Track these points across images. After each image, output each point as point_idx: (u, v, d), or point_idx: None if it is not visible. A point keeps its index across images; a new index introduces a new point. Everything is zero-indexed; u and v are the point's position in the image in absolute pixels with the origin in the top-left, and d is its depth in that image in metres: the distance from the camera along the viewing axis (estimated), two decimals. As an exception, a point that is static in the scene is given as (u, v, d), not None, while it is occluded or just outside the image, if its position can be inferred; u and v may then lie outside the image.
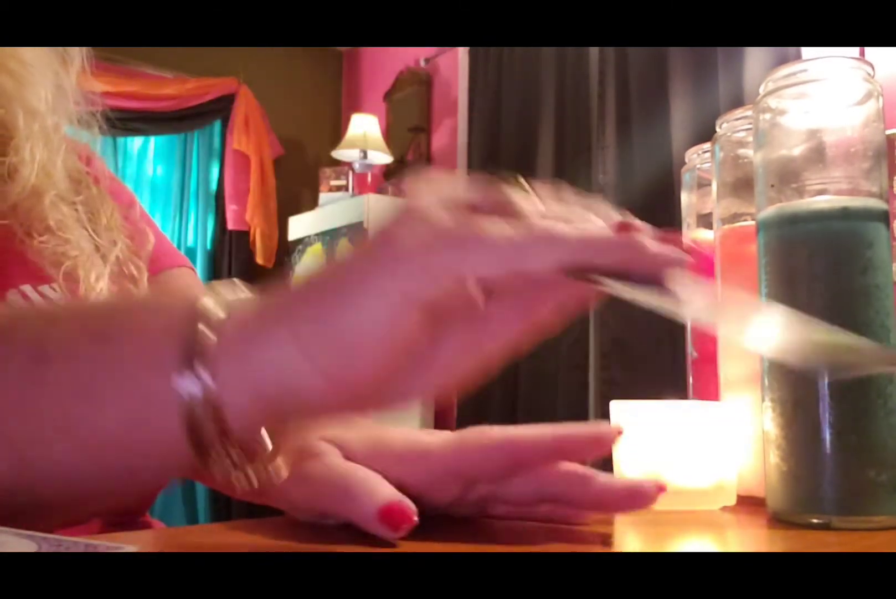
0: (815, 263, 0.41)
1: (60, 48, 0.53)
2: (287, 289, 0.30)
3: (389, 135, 3.62)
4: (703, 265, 0.60)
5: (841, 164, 0.42)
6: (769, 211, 0.43)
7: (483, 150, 3.18)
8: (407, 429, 0.40)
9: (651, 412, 0.46)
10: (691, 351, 0.61)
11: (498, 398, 2.77)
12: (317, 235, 3.39)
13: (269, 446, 0.30)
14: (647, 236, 0.29)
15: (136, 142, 3.71)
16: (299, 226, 3.51)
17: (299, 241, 3.49)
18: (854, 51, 1.95)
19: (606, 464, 0.44)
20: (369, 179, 3.48)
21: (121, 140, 3.61)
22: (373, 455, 0.38)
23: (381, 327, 0.27)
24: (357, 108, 3.89)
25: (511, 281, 0.28)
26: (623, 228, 0.29)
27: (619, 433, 0.38)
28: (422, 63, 3.61)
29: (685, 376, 0.62)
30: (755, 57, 2.25)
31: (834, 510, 0.39)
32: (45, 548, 0.21)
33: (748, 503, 0.46)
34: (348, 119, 3.55)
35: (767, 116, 0.44)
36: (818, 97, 0.43)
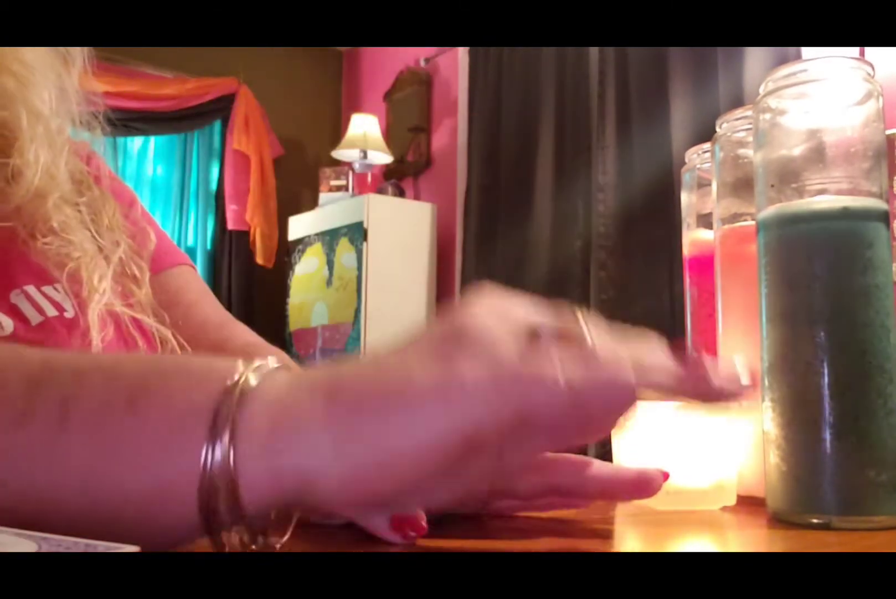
0: (815, 263, 0.41)
1: (62, 49, 0.53)
2: (337, 383, 0.28)
3: (389, 135, 3.62)
4: (704, 265, 0.60)
5: (841, 164, 0.42)
6: (769, 211, 0.43)
7: (483, 150, 3.18)
8: None
9: (651, 412, 0.46)
10: (691, 351, 0.61)
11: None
12: (317, 235, 3.40)
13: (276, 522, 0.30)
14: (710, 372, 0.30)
15: (136, 142, 3.71)
16: (299, 226, 3.52)
17: (299, 241, 3.49)
18: (854, 51, 1.95)
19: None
20: (369, 179, 3.48)
21: (121, 140, 3.61)
22: None
23: (424, 455, 0.27)
24: (357, 108, 3.89)
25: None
26: (691, 368, 0.30)
27: (666, 476, 0.38)
28: (422, 63, 3.61)
29: (685, 376, 0.62)
30: (755, 57, 2.25)
31: (834, 510, 0.39)
32: (45, 548, 0.21)
33: (748, 503, 0.46)
34: (348, 119, 3.56)
35: (767, 116, 0.44)
36: (818, 97, 0.43)
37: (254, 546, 0.29)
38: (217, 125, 3.81)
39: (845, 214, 0.41)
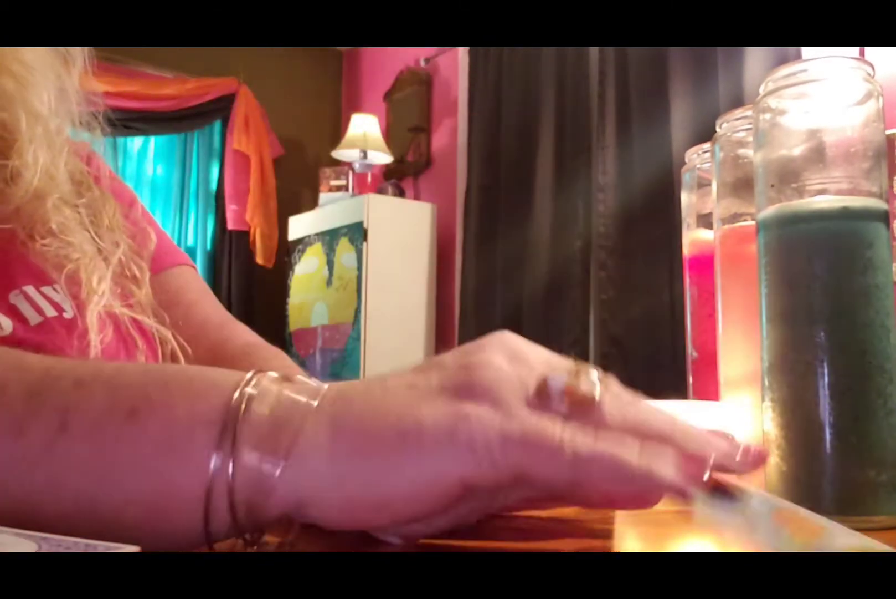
0: (815, 263, 0.41)
1: (62, 49, 0.53)
2: (344, 412, 0.28)
3: (389, 135, 3.62)
4: (704, 265, 0.60)
5: (841, 164, 0.42)
6: (769, 211, 0.43)
7: (483, 150, 3.18)
8: None
9: (651, 412, 0.46)
10: (691, 351, 0.61)
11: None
12: (317, 235, 3.40)
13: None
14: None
15: (136, 142, 3.71)
16: (299, 226, 3.52)
17: (299, 241, 3.49)
18: (854, 51, 1.95)
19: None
20: (369, 179, 3.49)
21: (121, 140, 3.61)
22: None
23: (422, 499, 0.27)
24: (357, 108, 3.89)
25: None
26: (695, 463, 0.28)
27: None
28: (422, 63, 3.62)
29: (685, 376, 0.62)
30: (755, 57, 2.26)
31: (834, 510, 0.39)
32: (45, 548, 0.21)
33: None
34: (348, 119, 3.56)
35: (767, 116, 0.44)
36: (818, 97, 0.43)
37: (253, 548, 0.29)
38: (217, 125, 3.81)
39: (845, 214, 0.41)
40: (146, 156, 3.76)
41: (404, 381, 0.29)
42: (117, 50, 3.33)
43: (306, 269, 3.44)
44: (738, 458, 0.29)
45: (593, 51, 2.78)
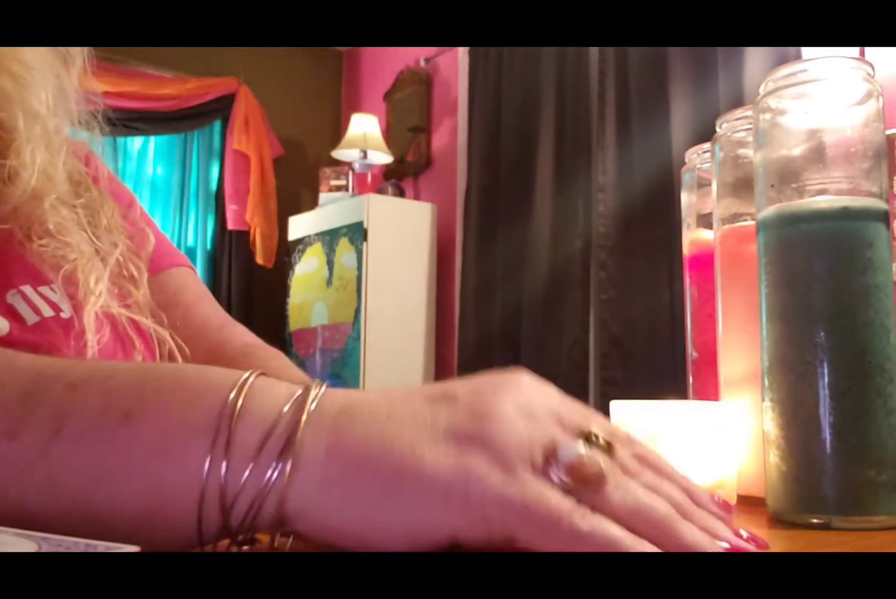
0: (815, 263, 0.41)
1: (62, 49, 0.52)
2: (344, 433, 0.27)
3: (389, 135, 3.62)
4: (704, 265, 0.60)
5: (841, 164, 0.42)
6: (769, 211, 0.43)
7: (483, 150, 3.18)
8: None
9: (651, 411, 0.46)
10: (691, 351, 0.61)
11: (498, 398, 2.77)
12: (317, 235, 3.40)
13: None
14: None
15: (136, 142, 3.71)
16: (299, 226, 3.52)
17: (299, 241, 3.49)
18: (854, 51, 1.95)
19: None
20: (369, 179, 3.48)
21: (121, 140, 3.61)
22: None
23: (410, 544, 0.27)
24: (357, 108, 3.89)
25: None
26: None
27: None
28: (422, 63, 3.61)
29: (685, 376, 0.62)
30: (755, 57, 2.25)
31: (834, 510, 0.39)
32: (45, 548, 0.21)
33: (748, 503, 0.46)
34: (348, 119, 3.56)
35: (767, 116, 0.44)
36: (818, 97, 0.43)
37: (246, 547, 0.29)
38: (217, 125, 3.81)
39: (845, 214, 0.41)
40: (146, 156, 3.76)
41: (411, 410, 0.28)
42: (117, 50, 3.33)
43: (306, 269, 3.44)
44: (729, 546, 0.29)
45: (593, 51, 2.78)
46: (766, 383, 0.43)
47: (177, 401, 0.28)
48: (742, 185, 0.53)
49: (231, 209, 3.69)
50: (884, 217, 0.41)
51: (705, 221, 0.61)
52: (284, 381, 0.30)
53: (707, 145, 0.60)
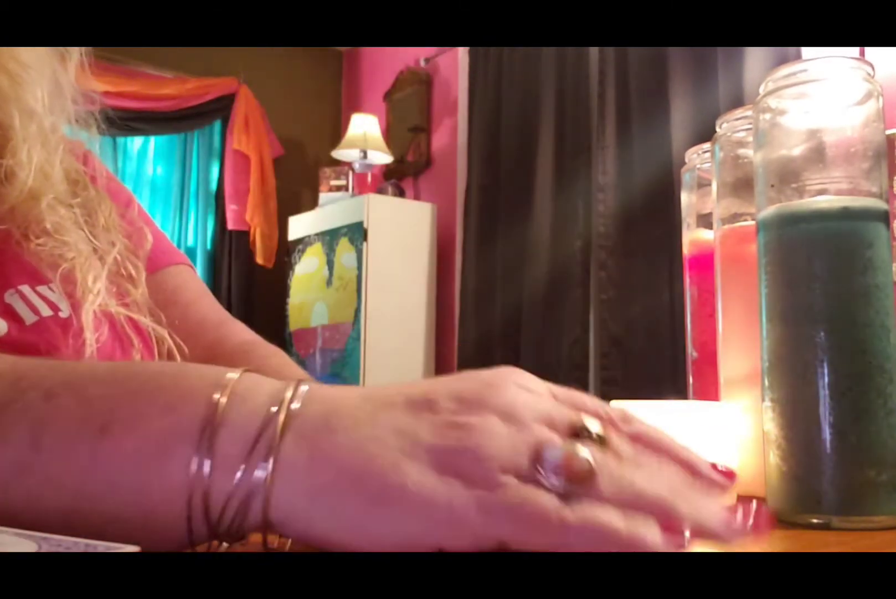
0: (815, 263, 0.41)
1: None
2: (326, 439, 0.27)
3: (389, 135, 3.62)
4: (704, 265, 0.60)
5: (841, 164, 0.42)
6: (769, 211, 0.43)
7: (483, 150, 3.18)
8: None
9: (651, 412, 0.46)
10: (691, 351, 0.61)
11: (498, 398, 2.77)
12: (317, 235, 3.40)
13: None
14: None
15: (136, 142, 3.71)
16: (299, 226, 3.52)
17: (299, 241, 3.49)
18: (854, 51, 1.95)
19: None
20: (369, 178, 3.48)
21: (121, 140, 3.61)
22: None
23: (391, 548, 0.26)
24: (357, 108, 3.89)
25: None
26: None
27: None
28: (422, 63, 3.61)
29: (685, 376, 0.62)
30: (755, 57, 2.25)
31: (834, 510, 0.39)
32: (45, 548, 0.21)
33: (748, 503, 0.46)
34: (348, 119, 3.56)
35: (767, 116, 0.44)
36: (818, 97, 0.43)
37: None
38: (217, 125, 3.81)
39: (845, 214, 0.41)
40: (146, 156, 3.76)
41: (392, 421, 0.28)
42: (117, 50, 3.33)
43: (306, 269, 3.44)
44: (731, 527, 0.28)
45: (593, 51, 2.78)
46: (766, 383, 0.43)
47: (155, 410, 0.28)
48: (742, 185, 0.53)
49: (231, 209, 3.69)
50: (884, 217, 0.41)
51: (705, 221, 0.61)
52: (273, 378, 0.30)
53: (707, 145, 0.60)
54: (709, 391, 0.56)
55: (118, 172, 3.53)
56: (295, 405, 0.28)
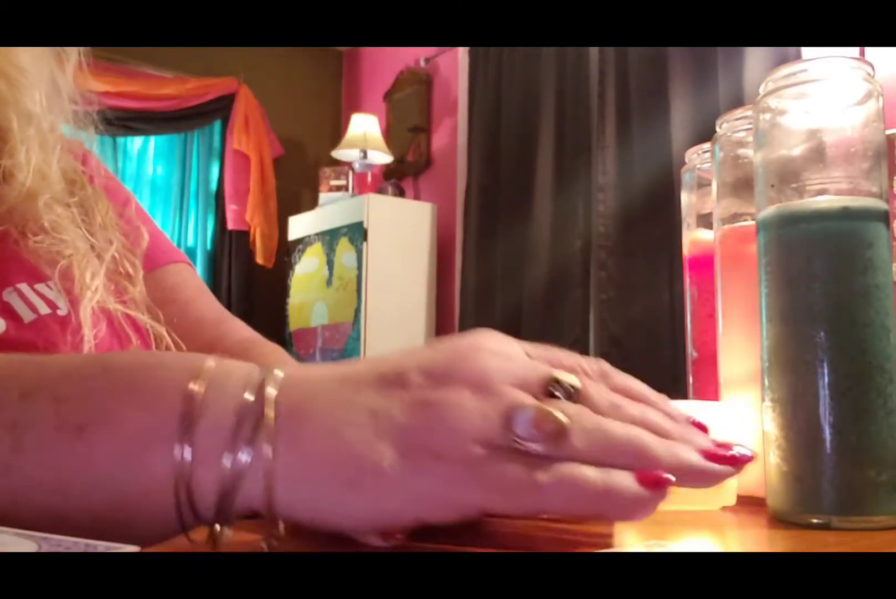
0: (815, 263, 0.41)
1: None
2: (301, 425, 0.27)
3: (389, 135, 3.62)
4: (704, 265, 0.60)
5: (841, 164, 0.42)
6: (769, 211, 0.43)
7: (483, 150, 3.18)
8: None
9: (651, 412, 0.46)
10: (691, 351, 0.61)
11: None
12: (317, 234, 3.40)
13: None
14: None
15: (136, 142, 3.71)
16: (299, 226, 3.52)
17: (299, 241, 3.49)
18: (854, 51, 1.95)
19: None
20: (369, 178, 3.49)
21: (121, 140, 3.61)
22: None
23: (382, 527, 0.27)
24: (357, 108, 3.89)
25: None
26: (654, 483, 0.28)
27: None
28: (422, 63, 3.62)
29: (685, 376, 0.62)
30: (755, 57, 2.26)
31: (834, 510, 0.39)
32: (45, 548, 0.21)
33: (748, 503, 0.46)
34: (348, 119, 3.56)
35: (767, 116, 0.44)
36: (818, 97, 0.43)
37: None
38: (217, 125, 3.81)
39: (845, 214, 0.41)
40: (146, 156, 3.76)
41: (365, 401, 0.28)
42: (117, 50, 3.33)
43: (306, 269, 3.44)
44: (709, 469, 0.29)
45: (593, 51, 2.78)
46: (766, 383, 0.43)
47: (132, 405, 0.28)
48: (742, 185, 0.53)
49: (231, 209, 3.69)
50: (884, 217, 0.41)
51: (705, 221, 0.61)
52: (249, 363, 0.30)
53: (707, 145, 0.60)
54: (709, 391, 0.56)
55: (118, 172, 3.53)
56: (270, 390, 0.28)
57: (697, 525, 0.42)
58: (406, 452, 0.27)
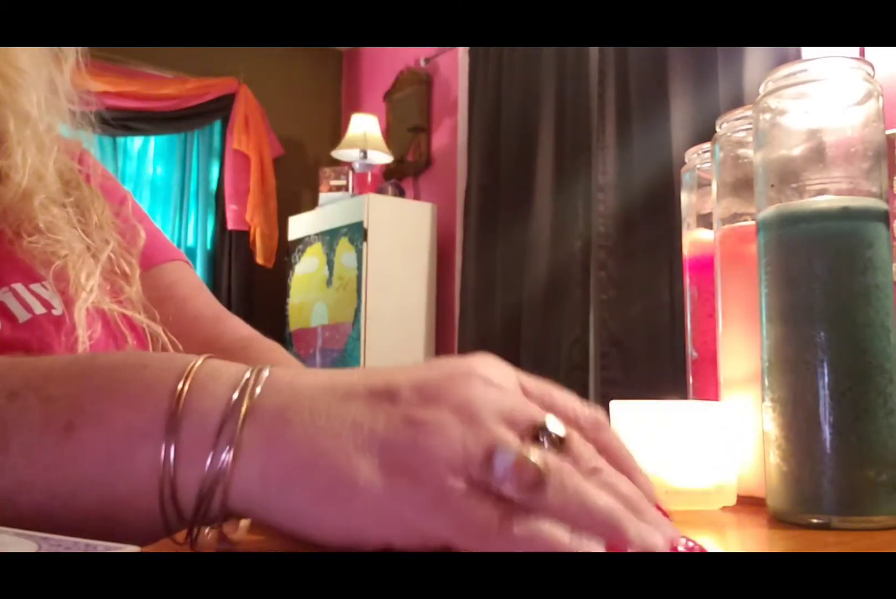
0: (815, 263, 0.41)
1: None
2: (284, 431, 0.27)
3: (389, 135, 3.62)
4: (704, 265, 0.60)
5: (841, 164, 0.42)
6: (769, 211, 0.43)
7: (483, 150, 3.18)
8: None
9: (651, 412, 0.46)
10: (691, 351, 0.61)
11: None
12: (317, 234, 3.40)
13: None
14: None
15: (136, 142, 3.71)
16: (299, 226, 3.52)
17: (299, 241, 3.49)
18: (854, 51, 1.95)
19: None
20: (369, 178, 3.48)
21: (121, 140, 3.61)
22: None
23: (354, 543, 0.27)
24: (357, 108, 3.89)
25: None
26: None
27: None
28: (422, 63, 3.61)
29: (685, 376, 0.62)
30: (755, 57, 2.25)
31: (834, 510, 0.39)
32: (45, 548, 0.21)
33: (748, 503, 0.46)
34: (348, 119, 3.56)
35: (767, 116, 0.44)
36: (818, 97, 0.43)
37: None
38: (217, 125, 3.81)
39: (845, 214, 0.41)
40: (146, 156, 3.76)
41: (350, 412, 0.28)
42: (117, 50, 3.33)
43: (306, 269, 3.44)
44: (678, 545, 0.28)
45: (593, 51, 2.78)
46: (766, 383, 0.43)
47: (118, 406, 0.28)
48: (742, 185, 0.53)
49: (231, 209, 3.69)
50: (884, 217, 0.41)
51: (705, 221, 0.61)
52: (236, 363, 0.30)
53: (707, 145, 0.60)
54: (709, 391, 0.56)
55: (118, 172, 3.53)
56: (256, 391, 0.28)
57: (697, 525, 0.42)
58: (384, 469, 0.26)
